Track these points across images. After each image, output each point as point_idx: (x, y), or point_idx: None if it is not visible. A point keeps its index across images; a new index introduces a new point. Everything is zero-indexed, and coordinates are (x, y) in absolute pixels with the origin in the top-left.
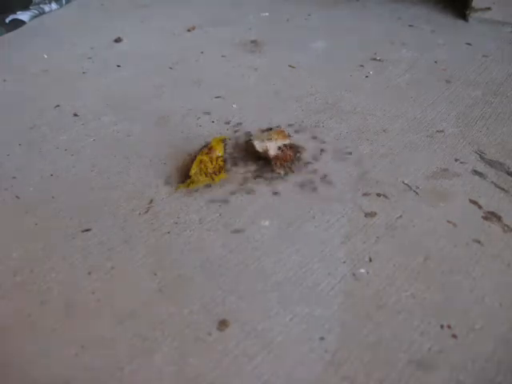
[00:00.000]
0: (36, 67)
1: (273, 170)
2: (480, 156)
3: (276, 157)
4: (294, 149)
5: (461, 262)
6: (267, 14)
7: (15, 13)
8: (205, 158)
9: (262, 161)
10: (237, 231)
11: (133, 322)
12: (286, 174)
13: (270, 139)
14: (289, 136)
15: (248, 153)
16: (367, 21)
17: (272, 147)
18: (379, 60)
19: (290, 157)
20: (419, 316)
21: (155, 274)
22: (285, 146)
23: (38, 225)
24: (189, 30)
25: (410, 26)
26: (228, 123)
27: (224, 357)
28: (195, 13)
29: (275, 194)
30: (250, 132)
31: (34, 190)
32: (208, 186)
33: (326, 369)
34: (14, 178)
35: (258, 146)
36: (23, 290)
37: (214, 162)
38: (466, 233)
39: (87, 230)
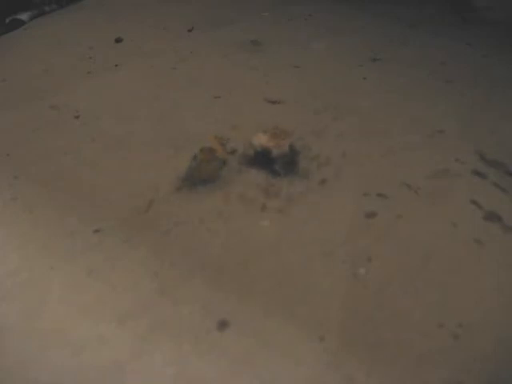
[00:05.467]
0: (36, 67)
1: (273, 170)
2: (480, 156)
3: (276, 157)
4: (295, 149)
5: (461, 262)
6: (267, 13)
7: (15, 12)
8: (205, 158)
9: (262, 161)
10: (236, 231)
11: (133, 322)
12: (286, 173)
13: (270, 139)
14: (289, 136)
15: (249, 153)
16: (368, 21)
17: (272, 147)
18: (379, 60)
19: (291, 157)
20: (419, 316)
21: (155, 274)
22: (285, 146)
23: (38, 224)
24: (189, 30)
25: (409, 26)
26: (228, 123)
27: (224, 357)
28: (195, 12)
29: (275, 193)
30: (250, 132)
31: (35, 190)
32: (208, 186)
33: (326, 369)
34: (15, 177)
35: (259, 146)
36: (23, 290)
37: (214, 163)
38: (466, 233)
39: (88, 230)
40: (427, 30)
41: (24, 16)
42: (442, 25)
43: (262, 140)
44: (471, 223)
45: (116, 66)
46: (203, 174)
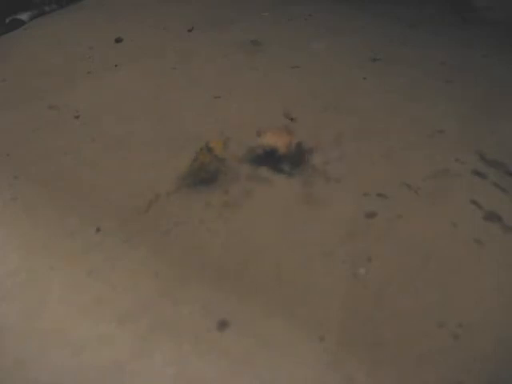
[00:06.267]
0: (36, 67)
1: (278, 169)
2: (480, 156)
3: (283, 156)
4: (302, 148)
5: (461, 262)
6: (267, 13)
7: (15, 12)
8: (205, 158)
9: (264, 160)
10: (236, 231)
11: (133, 322)
12: (289, 172)
13: (277, 138)
14: (294, 135)
15: (248, 152)
16: (367, 21)
17: (279, 145)
18: (379, 60)
19: (297, 156)
20: (419, 316)
21: (155, 274)
22: (292, 144)
23: (38, 224)
24: (189, 30)
25: (409, 26)
26: (228, 123)
27: (224, 357)
28: (195, 12)
29: (276, 193)
30: (250, 132)
31: (35, 190)
32: (208, 185)
33: (326, 369)
34: (15, 177)
35: (267, 145)
36: (23, 290)
37: (214, 163)
38: (466, 233)
39: (88, 231)
40: (427, 29)
41: (24, 16)
42: (442, 25)
43: (269, 139)
44: (471, 223)
45: (116, 66)
46: (203, 174)
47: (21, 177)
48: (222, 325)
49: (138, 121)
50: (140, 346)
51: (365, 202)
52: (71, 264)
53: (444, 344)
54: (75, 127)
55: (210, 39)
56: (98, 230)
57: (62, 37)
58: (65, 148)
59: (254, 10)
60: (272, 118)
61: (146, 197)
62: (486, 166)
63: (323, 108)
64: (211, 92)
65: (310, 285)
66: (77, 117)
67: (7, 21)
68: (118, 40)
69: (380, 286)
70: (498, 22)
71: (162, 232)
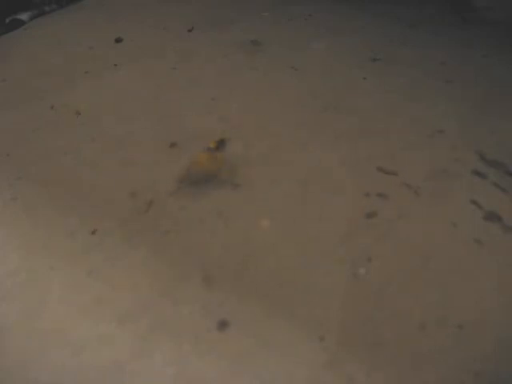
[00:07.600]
0: (36, 67)
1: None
2: (480, 156)
3: None
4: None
5: (461, 262)
6: (267, 13)
7: (15, 12)
8: (205, 158)
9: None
10: (236, 231)
11: (133, 322)
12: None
13: None
14: None
15: (246, 153)
16: (367, 21)
17: None
18: (379, 60)
19: None
20: (419, 315)
21: (155, 274)
22: None
23: (38, 224)
24: (189, 30)
25: (409, 26)
26: (228, 123)
27: (224, 357)
28: (195, 12)
29: (276, 193)
30: (250, 132)
31: (35, 190)
32: (208, 185)
33: (326, 369)
34: (15, 177)
35: None
36: (23, 290)
37: (214, 162)
38: (466, 233)
39: (88, 231)
40: (427, 29)
41: (24, 16)
42: (442, 25)
43: None
44: (471, 223)
45: (116, 65)
46: (203, 174)
47: (21, 177)
48: (222, 325)
49: (137, 121)
50: (140, 346)
51: (365, 202)
52: (71, 264)
53: (444, 344)
54: (75, 127)
55: (210, 39)
56: (98, 230)
57: (62, 37)
58: (65, 148)
59: (254, 9)
60: (273, 118)
61: (146, 197)
62: (486, 166)
63: (323, 108)
64: (211, 92)
65: (310, 285)
66: (77, 117)
67: (7, 21)
68: (118, 40)
69: (380, 286)
70: (498, 21)
71: (161, 232)
